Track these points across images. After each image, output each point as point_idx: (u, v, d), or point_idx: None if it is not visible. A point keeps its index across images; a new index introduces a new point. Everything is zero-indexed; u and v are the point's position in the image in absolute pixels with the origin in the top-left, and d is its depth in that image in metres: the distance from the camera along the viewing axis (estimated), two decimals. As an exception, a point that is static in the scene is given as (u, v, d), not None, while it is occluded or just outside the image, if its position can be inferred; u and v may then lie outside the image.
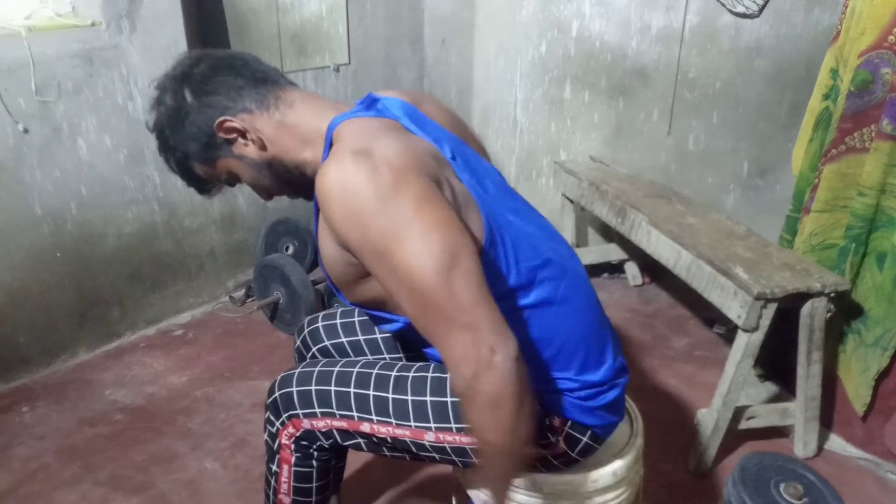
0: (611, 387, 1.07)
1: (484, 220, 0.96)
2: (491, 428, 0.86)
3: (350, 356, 1.34)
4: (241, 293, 2.66)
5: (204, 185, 1.15)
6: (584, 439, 1.07)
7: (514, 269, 0.98)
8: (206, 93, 1.03)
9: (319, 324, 1.39)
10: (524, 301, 1.00)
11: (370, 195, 0.86)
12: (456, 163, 1.01)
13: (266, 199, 1.18)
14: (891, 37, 1.64)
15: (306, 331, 1.40)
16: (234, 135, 1.05)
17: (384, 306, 1.06)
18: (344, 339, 1.36)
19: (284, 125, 1.05)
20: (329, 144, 1.01)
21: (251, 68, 1.07)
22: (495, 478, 0.95)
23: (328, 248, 1.02)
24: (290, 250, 2.75)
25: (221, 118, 1.03)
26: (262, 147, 1.05)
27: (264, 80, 1.06)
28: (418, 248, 0.85)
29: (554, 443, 1.05)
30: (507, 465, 0.93)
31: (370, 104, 1.07)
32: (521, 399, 0.85)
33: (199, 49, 1.10)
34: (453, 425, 1.06)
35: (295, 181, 1.08)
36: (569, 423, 1.06)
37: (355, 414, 1.11)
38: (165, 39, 2.22)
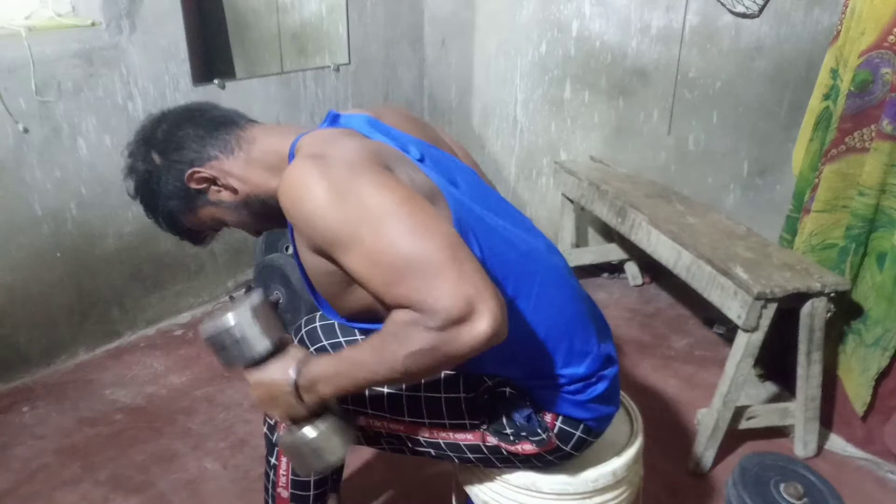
0: (598, 379, 1.07)
1: (453, 214, 0.96)
2: (396, 359, 0.84)
3: None
4: (241, 293, 2.66)
5: (197, 237, 1.21)
6: (577, 433, 1.07)
7: (487, 264, 0.97)
8: (172, 150, 1.07)
9: (317, 324, 1.39)
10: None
11: (328, 189, 0.88)
12: (423, 164, 1.02)
13: (255, 236, 1.24)
14: (891, 37, 1.64)
15: (303, 331, 1.40)
16: (206, 184, 1.08)
17: (377, 316, 1.05)
18: (342, 339, 1.35)
19: (251, 162, 1.08)
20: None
21: (209, 116, 1.10)
22: (321, 392, 0.95)
23: (307, 259, 1.03)
24: (290, 250, 2.75)
25: (190, 170, 1.06)
26: (235, 189, 1.09)
27: (224, 124, 1.09)
28: (390, 223, 0.85)
29: (546, 439, 1.05)
30: (338, 388, 0.93)
31: (332, 121, 1.10)
32: (442, 368, 0.84)
33: (158, 111, 1.14)
34: (447, 421, 1.07)
35: (273, 212, 1.08)
36: (560, 417, 1.06)
37: (351, 408, 1.12)
38: (165, 39, 2.22)
